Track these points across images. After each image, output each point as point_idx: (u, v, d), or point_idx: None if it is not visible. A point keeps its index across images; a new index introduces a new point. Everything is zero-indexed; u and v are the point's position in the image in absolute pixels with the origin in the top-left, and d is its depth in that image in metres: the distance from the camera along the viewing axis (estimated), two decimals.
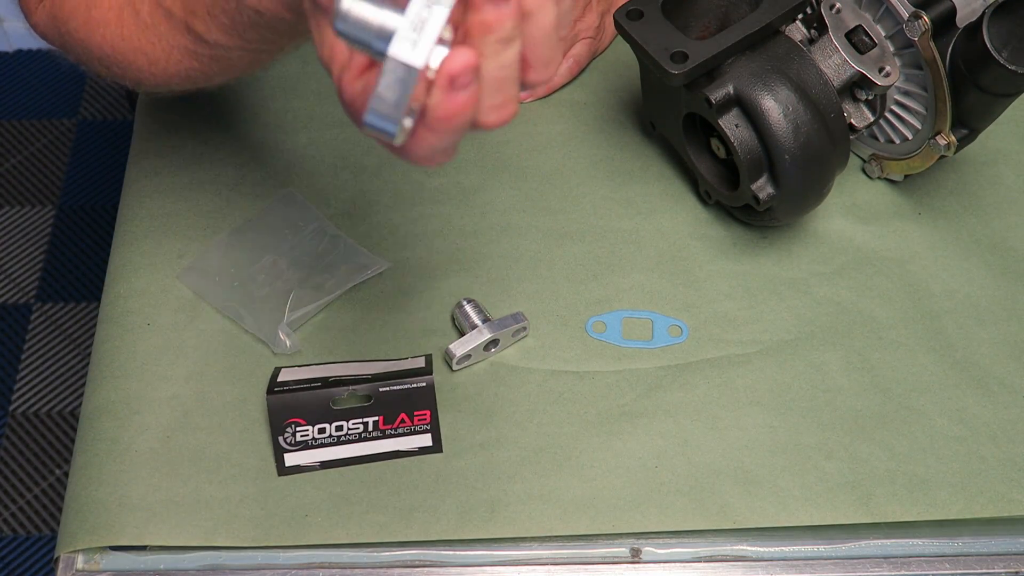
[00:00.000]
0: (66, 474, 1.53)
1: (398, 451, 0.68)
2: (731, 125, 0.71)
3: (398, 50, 0.38)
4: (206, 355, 0.73)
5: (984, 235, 0.80)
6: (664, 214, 0.80)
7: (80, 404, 0.72)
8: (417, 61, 0.38)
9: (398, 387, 0.68)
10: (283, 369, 0.71)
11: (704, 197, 0.80)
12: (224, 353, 0.73)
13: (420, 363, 0.70)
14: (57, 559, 0.65)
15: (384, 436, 0.68)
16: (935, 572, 0.66)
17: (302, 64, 0.89)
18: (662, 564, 0.66)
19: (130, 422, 0.69)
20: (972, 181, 0.83)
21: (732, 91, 0.71)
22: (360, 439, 0.68)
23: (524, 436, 0.69)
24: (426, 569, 0.65)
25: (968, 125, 0.75)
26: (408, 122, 0.40)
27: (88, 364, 0.74)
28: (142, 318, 0.74)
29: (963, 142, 0.75)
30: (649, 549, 0.66)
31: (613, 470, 0.68)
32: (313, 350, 0.73)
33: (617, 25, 0.73)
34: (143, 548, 0.66)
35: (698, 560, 0.66)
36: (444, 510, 0.66)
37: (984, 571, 0.66)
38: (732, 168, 0.77)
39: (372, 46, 0.39)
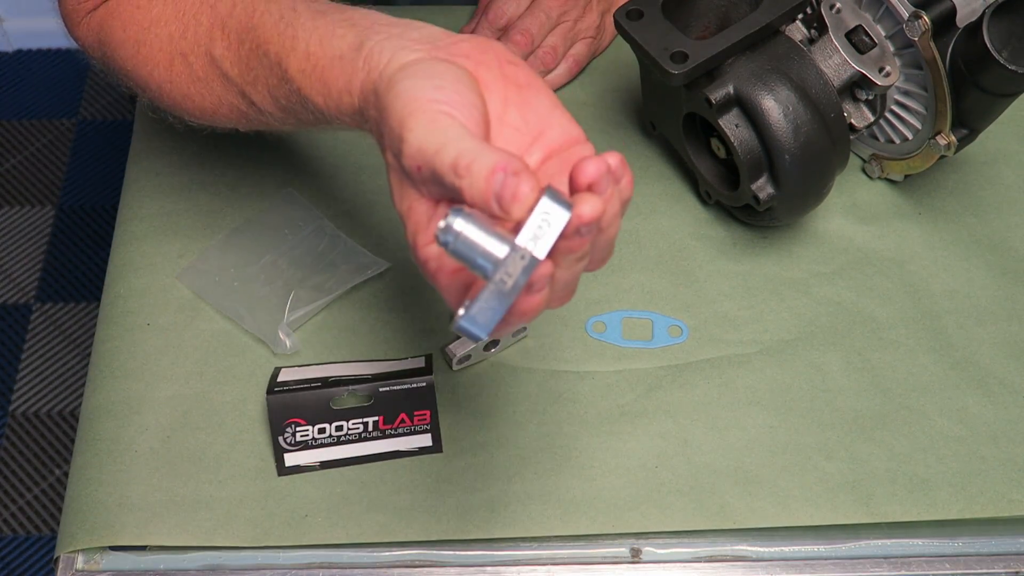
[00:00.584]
0: (66, 474, 1.53)
1: (398, 451, 0.68)
2: (731, 125, 0.71)
3: (498, 283, 0.42)
4: (206, 355, 0.73)
5: (984, 235, 0.80)
6: (664, 214, 0.80)
7: (80, 404, 0.72)
8: (512, 294, 0.43)
9: (398, 387, 0.67)
10: (283, 369, 0.71)
11: (704, 197, 0.80)
12: (224, 353, 0.73)
13: (420, 363, 0.70)
14: (57, 559, 0.65)
15: (384, 436, 0.68)
16: (935, 572, 0.66)
17: None
18: (662, 564, 0.66)
19: (130, 422, 0.69)
20: (972, 181, 0.83)
21: (732, 91, 0.71)
22: (360, 439, 0.68)
23: (524, 436, 0.69)
24: (426, 569, 0.65)
25: (968, 125, 0.75)
26: None
27: (88, 364, 0.74)
28: (142, 318, 0.74)
29: (963, 142, 0.75)
30: (649, 549, 0.66)
31: (613, 470, 0.68)
32: (313, 350, 0.73)
33: (617, 25, 0.73)
34: (143, 548, 0.65)
35: (698, 560, 0.66)
36: (444, 510, 0.66)
37: (984, 571, 0.66)
38: (732, 168, 0.77)
39: (474, 264, 0.43)
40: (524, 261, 0.42)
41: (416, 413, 0.68)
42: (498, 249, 0.42)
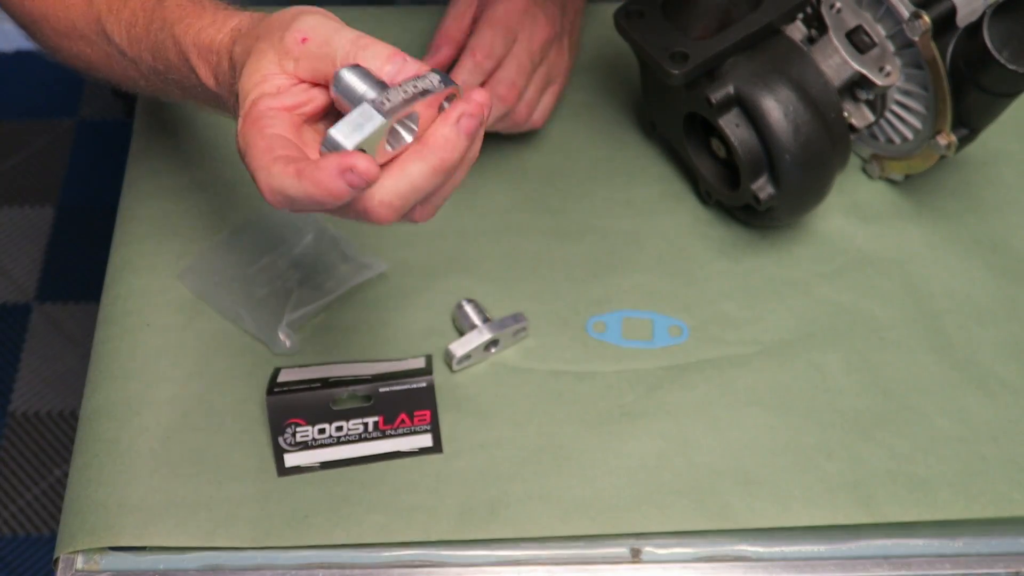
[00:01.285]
0: (66, 474, 1.53)
1: (398, 451, 0.68)
2: (731, 125, 0.71)
3: (374, 102, 0.46)
4: (206, 356, 0.72)
5: (984, 235, 0.80)
6: (664, 214, 0.80)
7: (80, 404, 0.72)
8: (389, 114, 0.46)
9: (398, 387, 0.67)
10: (283, 369, 0.71)
11: (704, 197, 0.80)
12: (224, 353, 0.73)
13: (420, 363, 0.70)
14: (57, 559, 0.65)
15: (384, 436, 0.68)
16: (935, 572, 0.66)
17: None
18: (662, 564, 0.66)
19: (130, 423, 0.69)
20: (972, 181, 0.83)
21: (732, 91, 0.71)
22: (360, 439, 0.68)
23: (524, 436, 0.69)
24: (426, 569, 0.65)
25: (968, 125, 0.75)
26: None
27: (88, 364, 0.74)
28: (142, 319, 0.74)
29: (963, 142, 0.75)
30: (649, 549, 0.66)
31: (613, 470, 0.68)
32: (313, 350, 0.73)
33: (617, 25, 0.73)
34: (142, 548, 0.65)
35: (698, 560, 0.66)
36: (444, 510, 0.66)
37: (984, 571, 0.66)
38: (732, 168, 0.77)
39: (353, 101, 0.47)
40: (405, 93, 0.47)
41: (416, 413, 0.68)
42: (371, 93, 0.47)
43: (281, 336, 0.72)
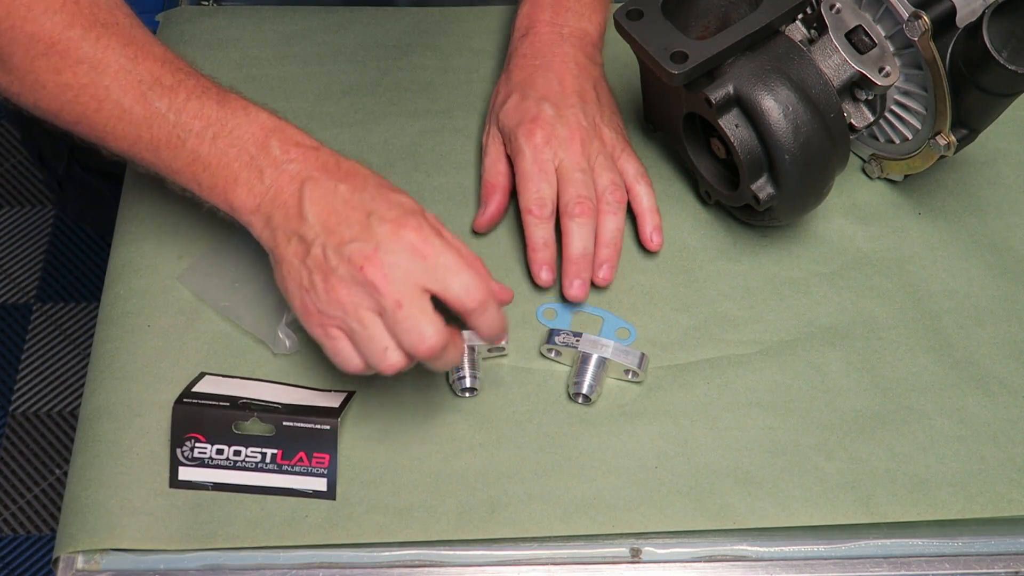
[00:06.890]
0: (66, 474, 1.53)
1: (291, 488, 0.66)
2: (731, 125, 0.71)
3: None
4: (206, 357, 0.72)
5: (984, 235, 0.80)
6: (664, 214, 0.80)
7: (80, 404, 0.72)
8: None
9: (302, 424, 0.65)
10: (207, 376, 0.70)
11: (704, 197, 0.80)
12: (224, 355, 0.73)
13: (336, 401, 0.68)
14: (57, 559, 0.65)
15: (280, 471, 0.66)
16: (935, 572, 0.66)
17: (302, 64, 0.89)
18: (662, 564, 0.66)
19: (130, 424, 0.69)
20: (972, 181, 0.83)
21: (732, 91, 0.71)
22: (256, 468, 0.66)
23: (524, 436, 0.69)
24: (426, 569, 0.65)
25: (968, 125, 0.75)
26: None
27: (88, 364, 0.74)
28: (142, 319, 0.74)
29: (963, 142, 0.75)
30: (649, 549, 0.66)
31: (613, 470, 0.68)
32: (313, 350, 0.73)
33: (617, 25, 0.73)
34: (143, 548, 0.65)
35: (698, 560, 0.66)
36: (444, 510, 0.66)
37: (984, 571, 0.66)
38: (732, 168, 0.77)
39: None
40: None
41: (316, 455, 0.66)
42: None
43: (281, 336, 0.72)
